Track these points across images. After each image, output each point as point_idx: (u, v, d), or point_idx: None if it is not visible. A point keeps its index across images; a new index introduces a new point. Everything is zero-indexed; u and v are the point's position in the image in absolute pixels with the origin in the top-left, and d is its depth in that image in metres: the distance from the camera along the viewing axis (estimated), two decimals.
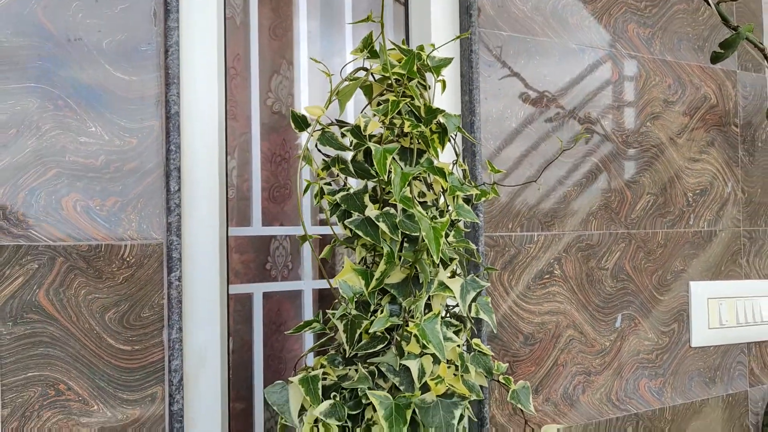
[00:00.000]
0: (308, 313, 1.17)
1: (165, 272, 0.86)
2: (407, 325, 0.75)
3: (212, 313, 0.90)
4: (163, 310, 0.86)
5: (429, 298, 0.79)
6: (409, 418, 0.72)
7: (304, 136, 1.16)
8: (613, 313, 1.26)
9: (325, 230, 1.16)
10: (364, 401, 0.74)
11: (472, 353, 0.82)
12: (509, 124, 1.16)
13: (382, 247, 0.76)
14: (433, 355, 0.76)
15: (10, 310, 0.78)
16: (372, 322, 0.75)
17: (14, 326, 0.78)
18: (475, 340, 0.83)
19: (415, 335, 0.74)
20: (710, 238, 1.41)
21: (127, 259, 0.84)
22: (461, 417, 0.77)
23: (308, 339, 1.17)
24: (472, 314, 0.80)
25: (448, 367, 0.76)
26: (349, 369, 0.79)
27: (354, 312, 0.77)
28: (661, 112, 1.35)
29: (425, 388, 0.75)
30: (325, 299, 1.20)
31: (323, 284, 1.17)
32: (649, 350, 1.31)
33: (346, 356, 0.80)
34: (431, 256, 0.74)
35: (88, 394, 0.81)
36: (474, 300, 0.81)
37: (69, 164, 0.81)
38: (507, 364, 1.02)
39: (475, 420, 1.07)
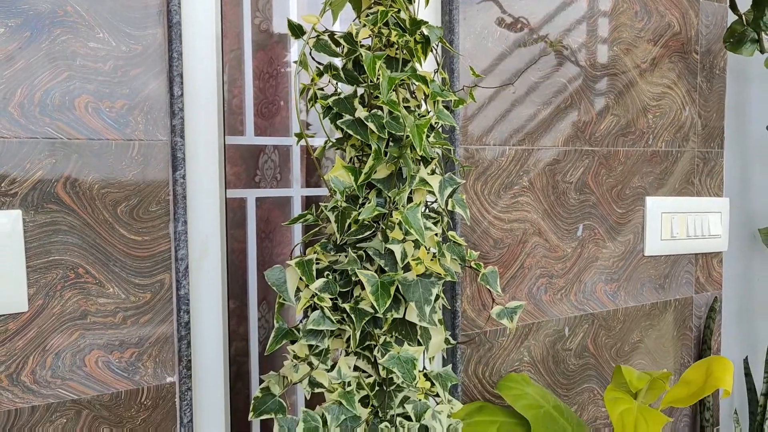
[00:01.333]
0: None
1: (170, 171, 0.94)
2: (392, 215, 0.86)
3: (213, 208, 0.99)
4: (169, 205, 0.95)
5: (411, 193, 0.89)
6: (392, 293, 0.83)
7: (293, 52, 1.22)
8: (576, 223, 1.38)
9: (316, 141, 1.24)
10: (354, 279, 0.85)
11: (448, 243, 0.93)
12: (486, 44, 1.24)
13: (370, 146, 0.85)
14: (414, 240, 0.86)
15: (32, 200, 0.85)
16: (360, 212, 0.85)
17: (36, 215, 0.86)
18: (451, 233, 0.94)
19: (399, 223, 0.85)
20: (667, 157, 1.53)
21: (135, 157, 0.92)
22: (437, 296, 0.89)
23: (297, 241, 1.27)
24: (449, 208, 0.91)
25: (427, 252, 0.87)
26: (340, 255, 0.90)
27: (344, 204, 0.87)
28: (627, 38, 1.44)
29: (407, 269, 0.86)
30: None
31: (310, 192, 1.26)
32: (606, 258, 1.44)
33: (337, 244, 0.90)
34: (414, 151, 0.84)
35: (104, 278, 0.91)
36: (451, 196, 0.91)
37: (79, 68, 0.88)
38: (478, 253, 1.13)
39: (449, 308, 1.20)
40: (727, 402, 1.71)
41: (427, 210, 0.93)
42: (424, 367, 1.01)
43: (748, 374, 1.65)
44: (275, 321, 0.89)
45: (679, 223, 1.54)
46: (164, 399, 0.96)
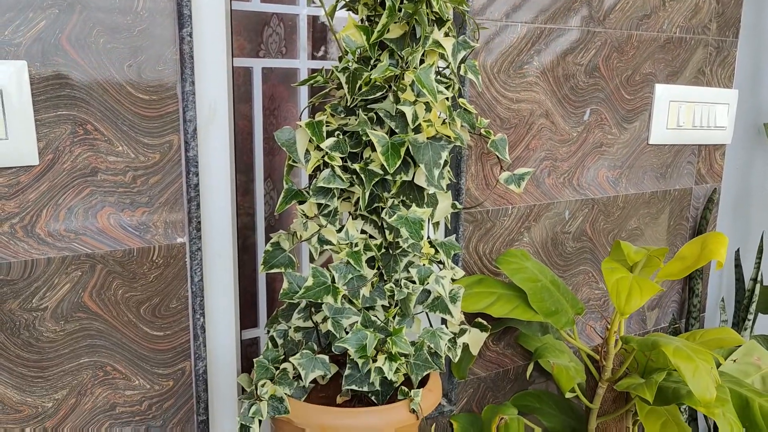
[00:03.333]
0: (302, 97, 1.25)
1: (176, 29, 0.92)
2: (404, 77, 0.84)
3: (221, 72, 0.97)
4: (177, 64, 0.93)
5: (423, 55, 0.87)
6: (402, 154, 0.83)
7: None
8: (584, 107, 1.37)
9: (317, 11, 1.20)
10: (364, 138, 0.85)
11: (458, 110, 0.92)
12: None
13: (383, 5, 0.82)
14: (425, 103, 0.85)
15: (37, 53, 0.83)
16: (372, 72, 0.84)
17: (41, 68, 0.84)
18: (461, 100, 0.93)
19: (411, 84, 0.84)
20: (680, 44, 1.50)
21: (141, 12, 0.89)
22: (446, 161, 0.89)
23: (303, 116, 1.25)
24: (461, 73, 0.89)
25: (438, 115, 0.86)
26: (350, 118, 0.89)
27: (355, 65, 0.85)
28: None
29: (417, 131, 0.86)
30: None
31: (317, 64, 1.24)
32: (610, 144, 1.44)
33: (347, 106, 0.89)
34: (430, 9, 0.81)
35: (113, 136, 0.90)
36: (463, 61, 0.90)
37: None
38: (488, 120, 1.13)
39: (453, 180, 1.21)
40: (715, 291, 1.77)
41: (438, 75, 0.92)
42: (429, 236, 1.03)
43: (738, 265, 1.70)
44: (284, 182, 0.90)
45: (686, 113, 1.53)
46: (175, 258, 0.98)
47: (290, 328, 0.98)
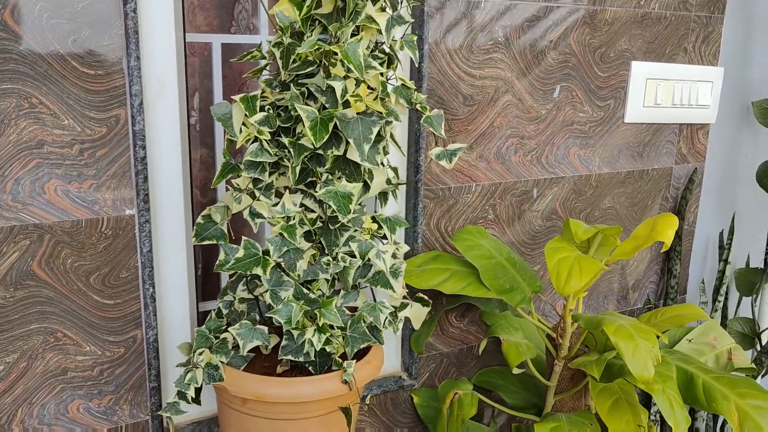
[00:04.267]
0: None
1: (120, 4, 0.93)
2: (335, 54, 0.85)
3: (169, 47, 0.99)
4: (122, 39, 0.95)
5: (358, 30, 0.87)
6: (330, 128, 0.84)
7: None
8: (553, 84, 1.36)
9: None
10: (293, 113, 0.86)
11: (396, 85, 0.92)
12: None
13: None
14: (356, 79, 0.86)
15: None
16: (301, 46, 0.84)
17: None
18: (400, 76, 0.93)
19: (341, 60, 0.84)
20: (659, 20, 1.47)
21: None
22: (379, 136, 0.90)
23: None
24: (397, 48, 0.89)
25: (370, 91, 0.87)
26: (285, 93, 0.90)
27: (289, 40, 0.86)
28: None
29: (347, 107, 0.87)
30: None
31: None
32: (583, 122, 1.42)
33: (283, 82, 0.90)
34: None
35: (59, 110, 0.93)
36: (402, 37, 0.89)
37: None
38: (426, 96, 1.13)
39: (404, 156, 1.21)
40: (696, 273, 1.74)
41: (377, 51, 0.92)
42: (375, 212, 1.04)
43: (721, 247, 1.67)
44: (223, 156, 0.91)
45: (664, 91, 1.50)
46: (124, 230, 1.01)
47: (235, 299, 1.00)
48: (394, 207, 1.25)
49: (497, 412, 1.47)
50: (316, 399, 0.91)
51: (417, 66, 1.16)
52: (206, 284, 1.29)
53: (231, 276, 1.07)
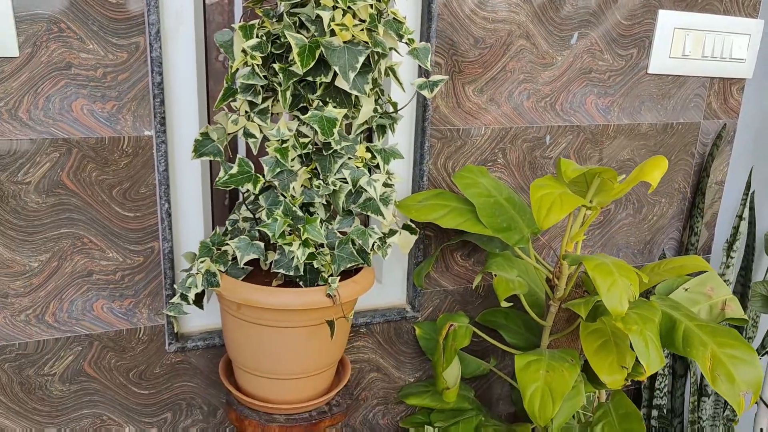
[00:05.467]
0: None
1: None
2: None
3: None
4: None
5: None
6: (317, 55, 0.90)
7: None
8: (571, 30, 1.35)
9: None
10: (283, 41, 0.92)
11: (387, 18, 0.97)
12: None
13: None
14: (344, 9, 0.91)
15: None
16: None
17: None
18: (392, 9, 0.97)
19: None
20: None
21: None
22: (366, 67, 0.95)
23: None
24: None
25: (359, 22, 0.92)
26: (282, 23, 0.96)
27: None
28: None
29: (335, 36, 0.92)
30: None
31: None
32: (602, 71, 1.42)
33: (279, 13, 0.96)
34: None
35: (84, 35, 1.03)
36: None
37: None
38: (414, 30, 1.16)
39: (402, 92, 1.25)
40: (723, 235, 1.71)
41: None
42: (371, 143, 1.10)
43: (752, 208, 1.63)
44: (225, 81, 0.99)
45: (693, 42, 1.47)
46: (143, 149, 1.11)
47: (239, 218, 1.09)
48: (403, 145, 1.30)
49: (499, 351, 1.52)
50: (300, 308, 0.99)
51: (426, 5, 1.19)
52: (224, 214, 1.39)
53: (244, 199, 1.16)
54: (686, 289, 1.22)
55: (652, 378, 1.69)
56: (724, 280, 1.55)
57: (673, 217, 1.62)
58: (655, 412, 1.65)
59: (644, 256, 1.62)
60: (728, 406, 1.67)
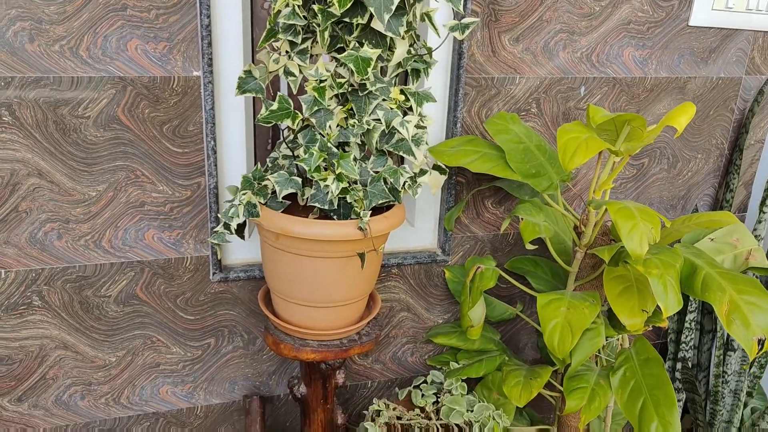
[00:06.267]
0: None
1: None
2: None
3: None
4: None
5: None
6: None
7: None
8: None
9: None
10: None
11: None
12: None
13: None
14: None
15: None
16: None
17: None
18: None
19: None
20: None
21: None
22: (401, 10, 0.99)
23: None
24: None
25: None
26: None
27: None
28: None
29: None
30: None
31: None
32: (641, 22, 1.41)
33: None
34: None
35: None
36: None
37: None
38: None
39: (455, 48, 1.28)
40: (761, 194, 1.70)
41: None
42: (405, 86, 1.14)
43: None
44: (267, 23, 1.05)
45: None
46: (191, 88, 1.18)
47: (279, 156, 1.16)
48: (438, 92, 1.34)
49: (526, 298, 1.57)
50: (333, 239, 1.06)
51: None
52: (266, 156, 1.46)
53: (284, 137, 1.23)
54: (712, 239, 1.24)
55: (679, 332, 1.71)
56: (756, 236, 1.55)
57: (708, 174, 1.62)
58: (679, 365, 1.68)
59: (677, 212, 1.63)
60: (755, 362, 1.69)
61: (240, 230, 1.12)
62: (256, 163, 1.38)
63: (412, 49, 1.07)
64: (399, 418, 1.34)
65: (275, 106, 1.02)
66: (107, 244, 1.23)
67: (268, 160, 1.18)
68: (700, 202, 1.65)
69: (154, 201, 1.23)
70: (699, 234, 1.28)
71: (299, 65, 1.03)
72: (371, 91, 1.07)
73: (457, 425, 1.31)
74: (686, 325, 1.66)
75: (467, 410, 1.33)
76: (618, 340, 1.43)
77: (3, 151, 1.12)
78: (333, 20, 0.98)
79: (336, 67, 1.07)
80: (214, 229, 1.11)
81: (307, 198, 1.13)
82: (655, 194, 1.59)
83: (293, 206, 1.16)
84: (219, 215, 1.13)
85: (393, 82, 1.10)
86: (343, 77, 1.07)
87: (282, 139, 1.17)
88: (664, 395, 1.18)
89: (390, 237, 1.40)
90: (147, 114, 1.17)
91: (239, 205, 1.09)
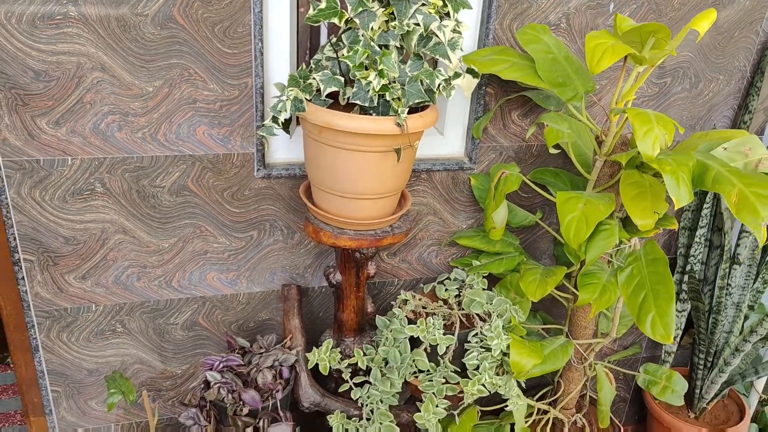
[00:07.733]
0: None
1: None
2: None
3: None
4: None
5: None
6: None
7: None
8: None
9: None
10: None
11: None
12: None
13: None
14: None
15: None
16: None
17: None
18: None
19: None
20: None
21: None
22: None
23: None
24: None
25: None
26: None
27: None
28: None
29: None
30: None
31: None
32: None
33: None
34: None
35: None
36: None
37: None
38: None
39: None
40: None
41: None
42: None
43: None
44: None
45: None
46: None
47: (323, 58, 1.25)
48: (473, 3, 1.40)
49: (546, 208, 1.67)
50: (373, 133, 1.16)
51: None
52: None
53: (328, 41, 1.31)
54: (725, 148, 1.31)
55: (688, 247, 1.81)
56: None
57: (729, 95, 1.68)
58: (686, 278, 1.79)
59: (696, 131, 1.70)
60: (758, 278, 1.79)
61: (286, 125, 1.22)
62: (299, 67, 1.47)
63: None
64: (424, 307, 1.47)
65: (324, 4, 1.10)
66: (162, 137, 1.34)
67: (312, 61, 1.26)
68: (719, 123, 1.71)
69: (206, 98, 1.33)
70: (713, 144, 1.36)
71: None
72: None
73: (477, 315, 1.44)
74: (696, 239, 1.76)
75: (486, 303, 1.45)
76: (630, 247, 1.53)
77: (68, 44, 1.21)
78: None
79: None
80: (263, 123, 1.21)
81: (349, 97, 1.22)
82: (675, 113, 1.66)
83: (334, 106, 1.26)
84: (268, 108, 1.22)
85: None
86: None
87: (325, 43, 1.25)
88: (664, 290, 1.29)
89: (420, 144, 1.49)
90: (200, 14, 1.26)
91: (287, 100, 1.19)
